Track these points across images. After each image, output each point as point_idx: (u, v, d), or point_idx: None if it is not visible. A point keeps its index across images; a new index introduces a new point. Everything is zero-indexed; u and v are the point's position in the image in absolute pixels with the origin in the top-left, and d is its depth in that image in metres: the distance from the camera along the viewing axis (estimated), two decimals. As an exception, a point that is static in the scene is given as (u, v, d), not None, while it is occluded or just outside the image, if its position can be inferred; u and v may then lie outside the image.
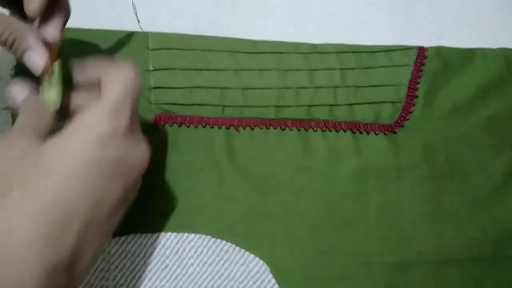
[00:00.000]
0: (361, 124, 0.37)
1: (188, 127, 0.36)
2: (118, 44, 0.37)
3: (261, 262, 0.34)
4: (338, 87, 0.37)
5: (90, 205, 0.23)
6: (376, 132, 0.37)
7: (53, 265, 0.22)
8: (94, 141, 0.24)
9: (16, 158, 0.23)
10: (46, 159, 0.23)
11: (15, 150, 0.24)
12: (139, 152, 0.26)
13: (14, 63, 0.37)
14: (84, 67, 0.27)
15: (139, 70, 0.27)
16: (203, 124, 0.36)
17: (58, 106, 0.28)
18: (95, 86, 0.27)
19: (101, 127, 0.24)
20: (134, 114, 0.26)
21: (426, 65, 0.38)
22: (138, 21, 0.38)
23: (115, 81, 0.26)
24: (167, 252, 0.34)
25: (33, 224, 0.22)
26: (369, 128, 0.37)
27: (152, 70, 0.36)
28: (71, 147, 0.23)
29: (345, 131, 0.37)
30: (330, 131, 0.37)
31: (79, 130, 0.24)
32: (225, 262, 0.34)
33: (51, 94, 0.28)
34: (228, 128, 0.36)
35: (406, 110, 0.37)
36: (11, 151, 0.24)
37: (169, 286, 0.33)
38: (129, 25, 0.38)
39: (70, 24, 0.37)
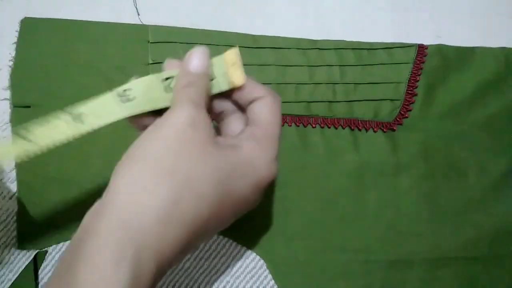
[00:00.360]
0: (359, 121, 0.37)
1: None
2: (118, 37, 0.37)
3: (257, 257, 0.34)
4: (337, 83, 0.37)
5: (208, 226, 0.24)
6: (375, 129, 0.37)
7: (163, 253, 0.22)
8: (253, 185, 0.25)
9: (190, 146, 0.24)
10: (211, 168, 0.23)
11: (190, 137, 0.24)
12: (260, 200, 0.27)
13: (13, 54, 0.36)
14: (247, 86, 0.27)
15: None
16: (202, 119, 0.36)
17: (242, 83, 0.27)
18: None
19: (261, 175, 0.25)
20: None
21: (426, 63, 0.38)
22: (138, 14, 0.38)
23: (273, 125, 0.26)
24: (164, 246, 0.34)
25: (179, 225, 0.22)
26: (367, 125, 0.37)
27: (151, 64, 0.36)
28: (235, 183, 0.24)
29: (343, 128, 0.37)
30: (329, 127, 0.37)
31: (246, 168, 0.25)
32: (221, 257, 0.34)
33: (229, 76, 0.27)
34: (226, 123, 0.36)
35: (405, 108, 0.37)
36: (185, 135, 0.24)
37: (165, 280, 0.33)
38: (129, 18, 0.38)
39: (70, 16, 0.37)
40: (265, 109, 0.26)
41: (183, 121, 0.24)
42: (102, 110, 0.26)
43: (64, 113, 0.26)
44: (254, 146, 0.25)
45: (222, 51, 0.37)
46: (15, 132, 0.26)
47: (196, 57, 0.26)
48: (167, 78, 0.26)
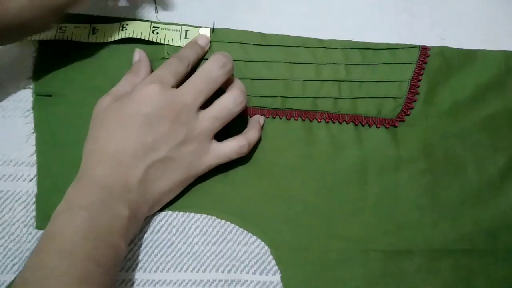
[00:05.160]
0: (363, 117, 0.38)
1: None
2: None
3: (262, 243, 0.35)
4: (342, 81, 0.39)
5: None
6: (378, 125, 0.38)
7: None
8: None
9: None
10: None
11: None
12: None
13: (37, 45, 0.39)
14: None
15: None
16: (213, 111, 0.37)
17: None
18: None
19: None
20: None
21: (428, 64, 0.40)
22: (157, 12, 0.40)
23: None
24: (174, 230, 0.35)
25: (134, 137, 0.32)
26: (371, 121, 0.38)
27: (166, 58, 0.38)
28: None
29: (347, 123, 0.38)
30: (334, 122, 0.38)
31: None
32: (228, 242, 0.35)
33: None
34: (236, 116, 0.38)
35: (407, 106, 0.39)
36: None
37: (174, 262, 0.35)
38: (147, 15, 0.40)
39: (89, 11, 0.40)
40: None
41: None
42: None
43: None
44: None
45: (234, 47, 0.39)
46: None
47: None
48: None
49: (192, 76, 0.34)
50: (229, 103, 0.34)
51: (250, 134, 0.36)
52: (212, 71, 0.34)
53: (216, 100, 0.34)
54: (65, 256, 0.27)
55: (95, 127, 0.34)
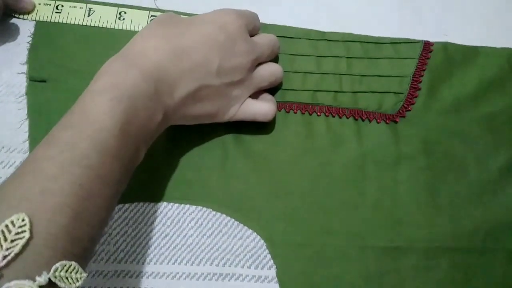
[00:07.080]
0: (363, 112, 0.38)
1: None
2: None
3: (258, 237, 0.35)
4: (343, 74, 0.38)
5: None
6: (378, 120, 0.38)
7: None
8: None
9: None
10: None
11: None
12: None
13: (32, 30, 0.38)
14: None
15: None
16: (211, 102, 0.37)
17: None
18: None
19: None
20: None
21: (431, 59, 0.39)
22: (155, -1, 0.39)
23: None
24: (168, 222, 0.35)
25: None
26: (371, 116, 0.38)
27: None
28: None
29: (347, 118, 0.38)
30: (333, 116, 0.38)
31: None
32: (223, 235, 0.35)
33: None
34: (234, 107, 0.37)
35: (408, 101, 0.38)
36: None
37: (168, 254, 0.34)
38: (147, 2, 0.39)
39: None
40: None
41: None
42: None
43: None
44: None
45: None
46: None
47: None
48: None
49: (264, 36, 0.35)
50: (278, 72, 0.36)
51: (274, 105, 0.36)
52: (277, 44, 0.36)
53: (267, 64, 0.35)
54: (97, 149, 0.25)
55: (167, 21, 0.31)
